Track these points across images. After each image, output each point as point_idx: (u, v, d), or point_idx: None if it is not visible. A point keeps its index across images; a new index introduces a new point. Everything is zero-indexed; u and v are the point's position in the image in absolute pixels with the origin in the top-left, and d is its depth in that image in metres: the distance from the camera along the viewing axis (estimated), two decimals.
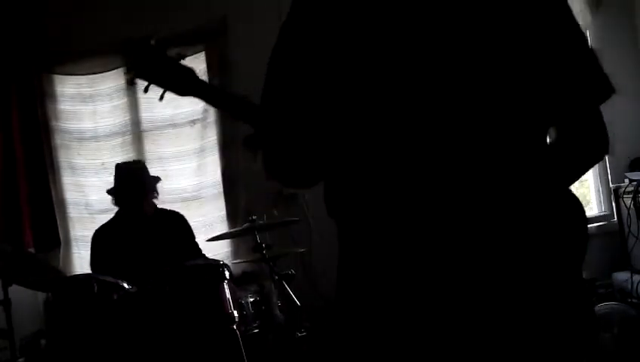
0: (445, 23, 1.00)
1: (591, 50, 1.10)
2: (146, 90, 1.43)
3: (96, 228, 3.51)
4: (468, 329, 0.95)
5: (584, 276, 1.09)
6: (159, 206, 3.53)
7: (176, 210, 3.59)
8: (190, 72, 1.30)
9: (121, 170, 3.49)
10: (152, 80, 1.32)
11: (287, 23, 1.13)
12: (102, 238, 3.41)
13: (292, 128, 1.09)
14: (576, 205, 1.09)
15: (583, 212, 1.10)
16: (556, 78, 1.04)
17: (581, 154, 1.10)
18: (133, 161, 3.65)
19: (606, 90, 1.08)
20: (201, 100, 1.43)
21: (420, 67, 1.00)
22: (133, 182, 3.41)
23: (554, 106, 1.05)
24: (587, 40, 1.11)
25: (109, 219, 3.53)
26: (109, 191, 3.48)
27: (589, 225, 1.14)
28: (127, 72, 1.41)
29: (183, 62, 1.35)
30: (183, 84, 1.30)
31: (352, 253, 1.06)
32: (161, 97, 1.41)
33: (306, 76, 1.08)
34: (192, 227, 3.55)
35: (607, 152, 1.13)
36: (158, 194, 3.50)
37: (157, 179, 3.51)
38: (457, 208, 0.96)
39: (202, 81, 1.37)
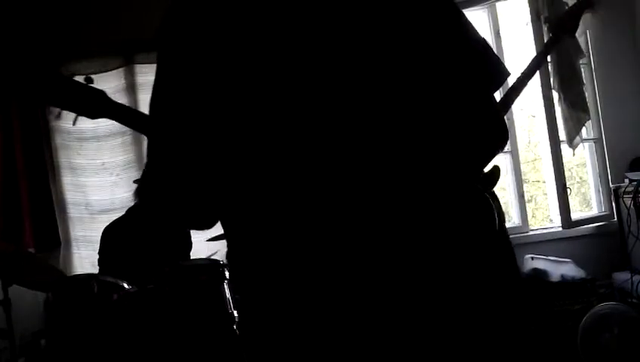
0: (316, 32, 0.99)
1: (475, 37, 1.06)
2: (73, 123, 1.46)
3: (101, 226, 3.50)
4: (362, 334, 0.95)
5: (519, 276, 1.08)
6: None
7: None
8: (100, 94, 1.30)
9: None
10: (63, 106, 1.34)
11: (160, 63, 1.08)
12: (111, 235, 3.40)
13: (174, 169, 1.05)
14: (477, 202, 1.08)
15: (486, 209, 1.10)
16: (441, 71, 1.01)
17: (476, 145, 1.07)
18: None
19: (496, 76, 1.06)
20: (115, 120, 1.41)
21: (290, 73, 0.99)
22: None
23: (442, 101, 1.03)
24: (470, 29, 1.06)
25: (114, 217, 3.52)
26: (136, 181, 3.44)
27: (501, 226, 1.12)
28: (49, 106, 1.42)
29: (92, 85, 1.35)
30: (93, 106, 1.30)
31: (248, 272, 1.06)
32: (74, 122, 1.43)
33: (183, 116, 1.04)
34: None
35: (504, 141, 1.09)
36: None
37: None
38: (345, 213, 0.96)
39: (114, 102, 1.35)
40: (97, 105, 1.31)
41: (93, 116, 1.32)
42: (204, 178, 1.05)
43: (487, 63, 1.06)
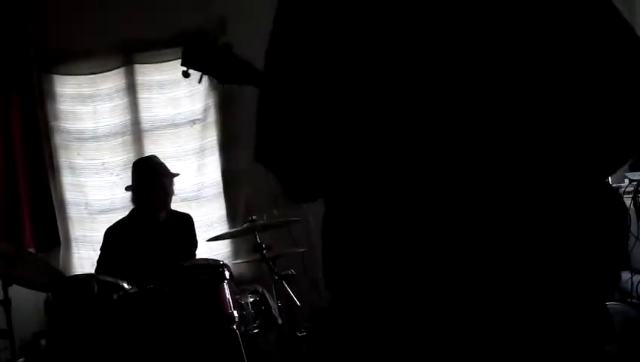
0: (452, 11, 0.94)
1: (622, 23, 1.01)
2: (200, 80, 1.46)
3: (101, 226, 3.51)
4: (469, 331, 0.92)
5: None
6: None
7: (177, 209, 3.59)
8: (244, 61, 1.32)
9: (144, 164, 3.46)
10: (206, 71, 1.35)
11: (280, 17, 1.05)
12: (113, 236, 3.40)
13: (292, 128, 1.02)
14: (612, 203, 0.99)
15: (620, 210, 1.00)
16: (583, 59, 0.95)
17: (617, 142, 0.98)
18: (152, 155, 3.62)
19: None
20: (254, 86, 1.40)
21: (425, 60, 0.94)
22: (159, 176, 3.39)
23: (585, 90, 0.96)
24: (615, 13, 1.00)
25: (120, 217, 3.52)
26: (128, 188, 3.45)
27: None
28: (183, 65, 1.44)
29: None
30: (236, 73, 1.34)
31: (353, 255, 1.00)
32: (200, 80, 1.44)
33: (303, 76, 1.01)
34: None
35: None
36: (174, 193, 3.49)
37: (176, 174, 3.50)
38: (464, 207, 0.91)
39: (255, 69, 1.39)
40: (238, 72, 1.35)
41: (235, 82, 1.35)
42: (325, 144, 1.00)
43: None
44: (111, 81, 4.16)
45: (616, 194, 1.00)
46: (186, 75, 1.48)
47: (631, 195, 3.49)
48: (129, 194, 3.45)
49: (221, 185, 4.10)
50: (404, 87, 0.94)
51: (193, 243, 3.51)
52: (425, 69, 0.93)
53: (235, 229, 3.56)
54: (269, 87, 1.06)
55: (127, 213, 3.51)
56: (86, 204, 4.16)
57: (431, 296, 0.92)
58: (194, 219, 3.58)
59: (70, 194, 4.16)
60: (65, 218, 4.13)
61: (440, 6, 0.94)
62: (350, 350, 1.01)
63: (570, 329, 0.93)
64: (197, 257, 3.46)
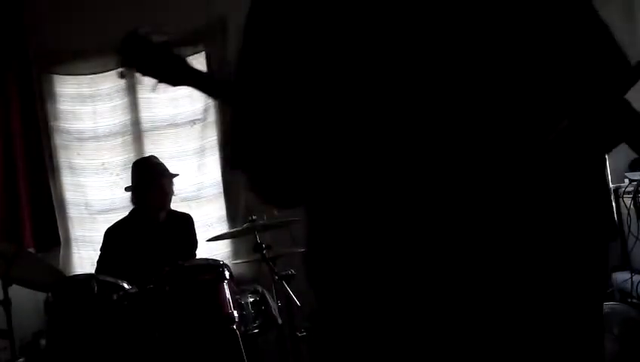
0: (436, 11, 0.91)
1: (601, 21, 1.01)
2: (153, 89, 1.39)
3: (101, 226, 3.51)
4: (464, 332, 0.90)
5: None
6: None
7: (177, 210, 3.59)
8: (181, 60, 1.24)
9: (143, 165, 3.46)
10: (144, 71, 1.27)
11: (254, 16, 1.02)
12: (113, 236, 3.40)
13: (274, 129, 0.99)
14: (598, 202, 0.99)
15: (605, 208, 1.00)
16: (572, 65, 0.96)
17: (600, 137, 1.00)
18: (152, 155, 3.62)
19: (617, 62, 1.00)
20: (196, 89, 1.36)
21: (415, 55, 0.91)
22: (159, 176, 3.38)
23: (570, 95, 0.96)
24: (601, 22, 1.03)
25: (120, 218, 3.53)
26: (127, 189, 3.45)
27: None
28: (120, 66, 1.37)
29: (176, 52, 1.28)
30: (174, 72, 1.24)
31: (343, 257, 0.98)
32: (154, 89, 1.36)
33: (281, 77, 0.97)
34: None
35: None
36: (174, 193, 3.49)
37: (175, 175, 3.50)
38: (457, 207, 0.89)
39: (195, 69, 1.28)
40: (179, 71, 1.26)
41: (174, 83, 1.27)
42: (300, 146, 0.97)
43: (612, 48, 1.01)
44: (111, 81, 4.16)
45: (602, 184, 1.01)
46: (122, 75, 1.43)
47: (631, 195, 3.49)
48: (129, 194, 3.45)
49: (221, 185, 4.10)
50: (385, 87, 0.92)
51: (193, 243, 3.51)
52: (409, 68, 0.91)
53: (235, 229, 3.56)
54: (245, 90, 1.02)
55: (127, 213, 3.51)
56: (86, 204, 4.16)
57: (416, 296, 0.91)
58: (194, 219, 3.58)
59: (70, 194, 4.16)
60: (65, 218, 4.13)
61: (424, 4, 0.92)
62: (339, 353, 0.99)
63: (564, 326, 0.93)
64: (197, 257, 3.46)
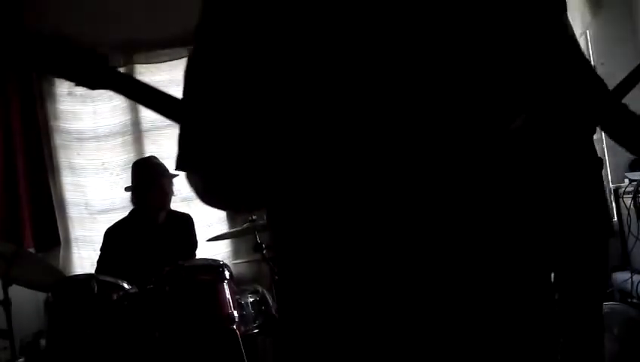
0: (397, 7, 0.90)
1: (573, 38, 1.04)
2: (69, 92, 1.28)
3: (101, 226, 3.51)
4: (422, 332, 0.88)
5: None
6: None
7: (177, 210, 3.59)
8: (102, 60, 1.17)
9: (143, 165, 3.45)
10: (58, 74, 1.20)
11: (206, 17, 0.96)
12: (113, 237, 3.40)
13: (225, 128, 0.94)
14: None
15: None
16: (534, 70, 0.96)
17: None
18: (151, 156, 3.62)
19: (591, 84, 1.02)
20: (117, 93, 1.26)
21: (368, 54, 0.89)
22: (158, 177, 3.38)
23: (529, 96, 0.98)
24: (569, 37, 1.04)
25: (120, 218, 3.53)
26: (127, 189, 3.45)
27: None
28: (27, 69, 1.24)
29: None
30: (92, 75, 1.17)
31: (305, 263, 0.94)
32: (70, 92, 1.26)
33: (236, 69, 0.92)
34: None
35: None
36: (174, 193, 3.49)
37: (175, 175, 3.50)
38: (419, 206, 0.88)
39: (116, 71, 1.20)
40: (97, 74, 1.18)
41: (92, 86, 1.19)
42: (258, 144, 0.93)
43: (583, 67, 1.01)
44: None
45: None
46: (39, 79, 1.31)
47: (631, 195, 3.49)
48: (129, 194, 3.45)
49: None
50: (349, 86, 0.89)
51: (193, 244, 3.51)
52: (368, 64, 0.89)
53: (235, 229, 3.56)
54: (196, 85, 0.97)
55: (127, 213, 3.52)
56: (86, 204, 4.16)
57: (381, 298, 0.89)
58: (194, 219, 3.58)
59: (70, 194, 4.16)
60: (65, 218, 4.13)
61: (397, 4, 0.90)
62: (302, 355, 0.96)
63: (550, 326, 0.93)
64: (197, 257, 3.46)
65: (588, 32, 4.07)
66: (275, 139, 0.92)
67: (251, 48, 0.91)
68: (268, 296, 3.06)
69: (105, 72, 1.19)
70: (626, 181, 3.64)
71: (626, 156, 3.94)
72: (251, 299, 2.97)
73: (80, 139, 4.19)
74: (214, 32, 0.94)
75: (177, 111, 1.02)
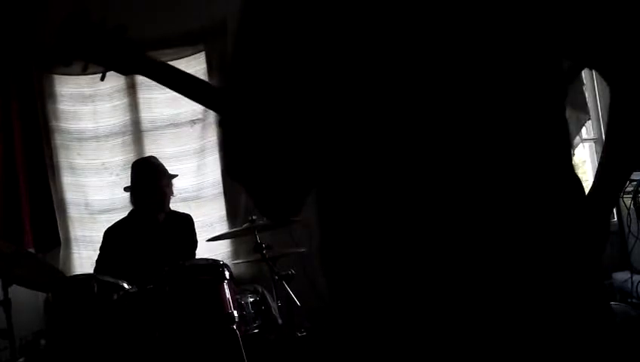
0: (442, 8, 0.91)
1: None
2: (102, 78, 1.31)
3: (101, 226, 3.51)
4: (472, 331, 0.90)
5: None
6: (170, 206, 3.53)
7: (177, 210, 3.59)
8: (134, 46, 1.21)
9: (141, 166, 3.45)
10: (90, 58, 1.20)
11: (248, 19, 0.98)
12: (113, 237, 3.41)
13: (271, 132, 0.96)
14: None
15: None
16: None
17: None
18: (151, 156, 3.62)
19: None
20: (150, 78, 1.30)
21: (416, 58, 0.91)
22: (156, 178, 3.38)
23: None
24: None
25: (120, 218, 3.53)
26: (127, 189, 3.45)
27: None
28: (62, 54, 1.27)
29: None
30: (125, 60, 1.21)
31: (353, 257, 0.98)
32: (102, 77, 1.28)
33: (282, 73, 0.94)
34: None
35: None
36: (173, 194, 3.49)
37: (174, 175, 3.50)
38: (462, 208, 0.90)
39: (149, 58, 1.25)
40: (131, 58, 1.23)
41: (124, 71, 1.23)
42: (302, 150, 0.95)
43: None
44: (111, 81, 4.16)
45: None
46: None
47: (631, 195, 3.49)
48: (129, 194, 3.46)
49: (221, 185, 4.10)
50: (386, 90, 0.91)
51: (193, 244, 3.51)
52: (409, 70, 0.91)
53: (235, 229, 3.56)
54: (241, 94, 0.99)
55: (127, 213, 3.52)
56: (86, 204, 4.16)
57: (428, 296, 0.91)
58: (194, 219, 3.58)
59: (70, 194, 4.16)
60: (65, 218, 4.13)
61: (430, 5, 0.92)
62: (351, 349, 1.00)
63: (569, 325, 0.93)
64: (197, 257, 3.46)
65: None
66: (321, 138, 0.94)
67: (285, 54, 0.93)
68: (268, 296, 3.06)
69: (140, 58, 1.22)
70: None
71: None
72: (251, 299, 2.97)
73: (80, 139, 4.19)
74: (253, 35, 0.96)
75: (212, 100, 1.04)
